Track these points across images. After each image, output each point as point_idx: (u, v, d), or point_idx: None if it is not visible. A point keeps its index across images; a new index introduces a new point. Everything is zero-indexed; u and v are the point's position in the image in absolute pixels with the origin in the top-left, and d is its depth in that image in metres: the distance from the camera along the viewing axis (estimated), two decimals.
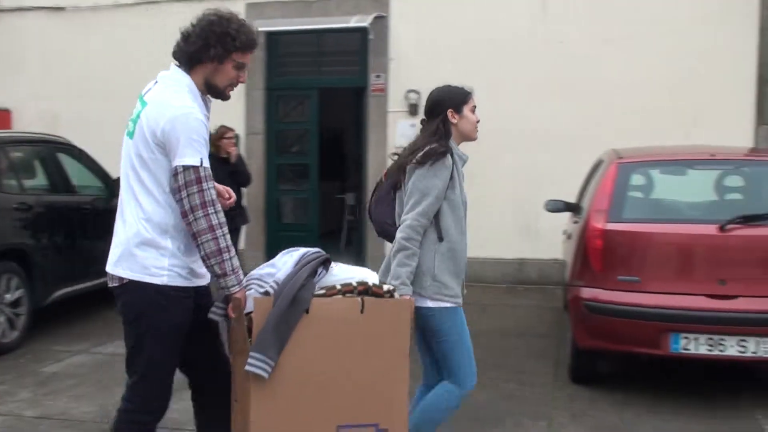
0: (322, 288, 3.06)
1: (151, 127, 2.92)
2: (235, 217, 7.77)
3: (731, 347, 4.85)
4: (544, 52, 9.14)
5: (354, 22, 9.31)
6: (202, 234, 2.90)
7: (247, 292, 3.04)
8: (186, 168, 2.88)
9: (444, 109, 3.56)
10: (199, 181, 2.89)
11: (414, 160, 3.47)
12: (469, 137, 3.65)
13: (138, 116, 2.99)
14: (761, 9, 8.59)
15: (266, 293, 3.03)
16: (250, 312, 2.97)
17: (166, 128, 2.89)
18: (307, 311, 2.97)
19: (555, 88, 9.06)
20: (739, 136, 8.52)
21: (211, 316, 3.09)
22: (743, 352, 4.84)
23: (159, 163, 2.95)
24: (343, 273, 3.16)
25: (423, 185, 3.42)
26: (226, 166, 7.62)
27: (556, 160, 8.95)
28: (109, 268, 3.06)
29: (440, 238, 3.47)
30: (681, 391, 5.32)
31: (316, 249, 3.19)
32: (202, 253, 2.92)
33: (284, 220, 10.73)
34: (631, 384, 5.49)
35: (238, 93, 10.80)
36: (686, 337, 4.89)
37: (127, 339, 3.07)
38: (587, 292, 5.16)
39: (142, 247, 2.97)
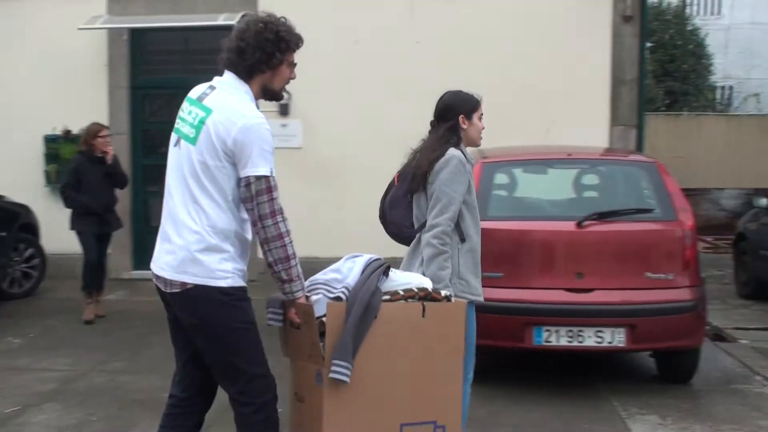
0: (385, 293, 3.15)
1: (221, 136, 2.94)
2: (111, 221, 7.47)
3: (589, 338, 5.09)
4: (409, 53, 9.25)
5: (222, 19, 9.15)
6: (271, 241, 2.96)
7: (314, 297, 3.10)
8: (258, 178, 2.92)
9: (456, 115, 3.71)
10: (269, 190, 2.95)
11: (436, 167, 3.63)
12: (474, 143, 3.84)
13: (202, 122, 2.98)
14: (613, 15, 9.05)
15: (338, 299, 3.09)
16: (321, 316, 3.04)
17: (238, 138, 2.92)
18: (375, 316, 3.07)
19: (418, 89, 9.20)
20: (597, 136, 8.95)
21: (269, 322, 3.17)
22: (600, 342, 5.09)
23: (224, 171, 2.97)
24: (402, 278, 3.27)
25: (450, 190, 3.60)
26: (100, 167, 7.24)
27: None
28: (167, 273, 3.04)
29: (462, 239, 3.68)
30: (543, 382, 5.54)
31: (376, 256, 3.27)
32: (270, 259, 2.98)
33: (152, 222, 10.42)
34: (498, 378, 5.66)
35: (100, 92, 10.40)
36: (548, 330, 5.10)
37: (206, 349, 3.08)
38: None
39: (207, 253, 2.99)
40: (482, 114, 3.83)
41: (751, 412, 4.95)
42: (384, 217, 3.91)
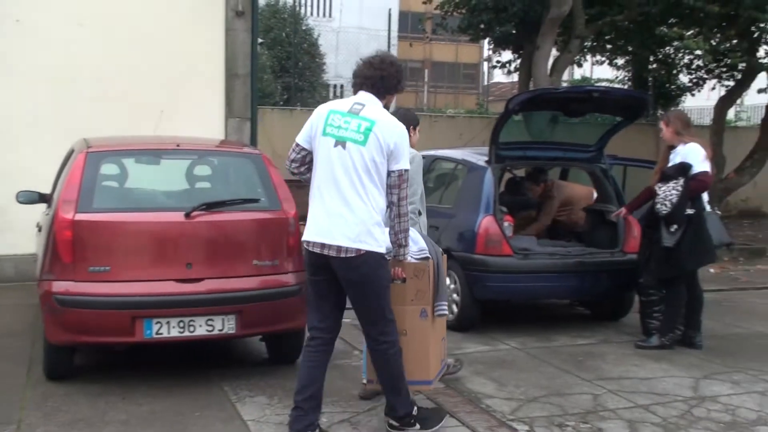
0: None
1: (386, 141, 4.09)
2: None
3: (201, 327, 5.15)
4: (7, 33, 8.54)
5: None
6: (402, 216, 4.18)
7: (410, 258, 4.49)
8: (403, 171, 4.15)
9: (407, 126, 4.49)
10: (405, 180, 4.17)
11: None
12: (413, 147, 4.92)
13: (369, 129, 4.09)
14: (226, 9, 9.22)
15: (427, 258, 4.66)
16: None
17: (397, 142, 4.12)
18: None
19: (24, 73, 8.56)
20: (214, 128, 9.07)
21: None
22: (211, 331, 5.18)
23: (383, 167, 4.12)
24: (421, 242, 4.73)
25: (418, 179, 5.12)
26: None
27: (32, 149, 8.48)
28: (344, 242, 4.05)
29: (419, 213, 5.18)
30: (156, 375, 5.48)
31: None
32: (398, 228, 4.19)
33: None
34: (106, 375, 5.49)
35: None
36: (159, 322, 5.05)
37: (364, 301, 4.20)
38: (58, 286, 5.01)
39: (376, 227, 4.11)
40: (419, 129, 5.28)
41: (348, 383, 5.41)
42: None
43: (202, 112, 9.12)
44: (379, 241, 4.10)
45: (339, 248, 4.06)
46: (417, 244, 4.64)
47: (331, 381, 5.41)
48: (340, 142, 4.11)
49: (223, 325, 5.21)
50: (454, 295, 7.03)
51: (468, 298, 6.93)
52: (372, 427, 4.64)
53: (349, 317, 7.49)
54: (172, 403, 4.94)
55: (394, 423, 4.40)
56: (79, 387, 5.19)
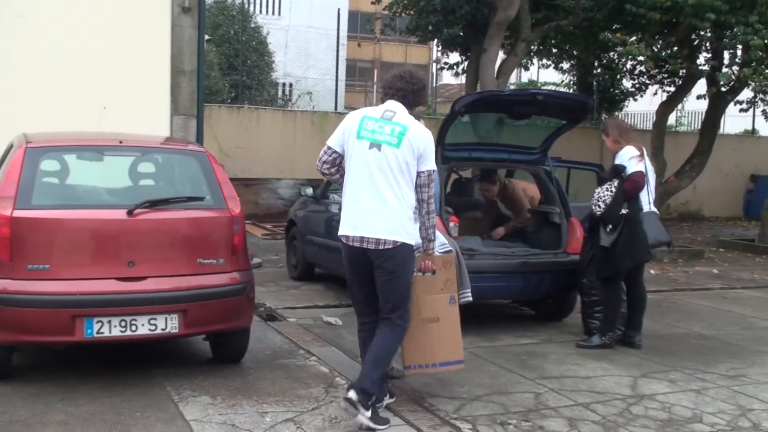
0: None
1: (417, 145, 4.62)
2: None
3: (143, 326, 5.08)
4: None
5: None
6: (431, 213, 4.73)
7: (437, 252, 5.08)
8: (432, 171, 4.69)
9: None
10: (433, 180, 4.71)
11: None
12: None
13: (403, 134, 4.62)
14: (173, 5, 9.09)
15: (449, 251, 5.30)
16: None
17: (427, 147, 4.67)
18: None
19: None
20: (160, 124, 8.92)
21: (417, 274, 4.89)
22: (154, 330, 5.11)
23: (414, 168, 4.64)
24: (441, 238, 5.31)
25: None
26: None
27: None
28: (383, 235, 4.58)
29: None
30: (97, 375, 5.39)
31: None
32: (428, 224, 4.75)
33: None
34: (44, 375, 5.37)
35: None
36: (99, 321, 4.97)
37: (394, 287, 4.68)
38: None
39: (408, 221, 4.64)
40: None
41: (293, 383, 5.39)
42: None
43: (146, 109, 8.96)
44: (411, 235, 4.67)
45: (377, 240, 4.59)
46: (439, 239, 5.09)
47: (275, 380, 5.43)
48: (376, 145, 4.61)
49: (166, 324, 5.14)
50: None
51: None
52: (316, 426, 4.63)
53: (294, 317, 7.53)
54: (113, 404, 4.86)
55: (354, 397, 4.49)
56: (17, 387, 5.07)
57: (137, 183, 5.90)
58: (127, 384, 5.22)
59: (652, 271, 10.35)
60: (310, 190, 9.42)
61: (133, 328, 5.07)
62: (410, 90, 4.79)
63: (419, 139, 4.63)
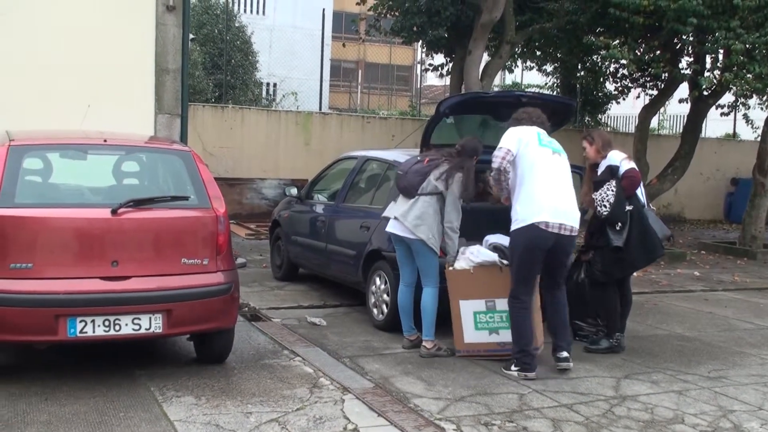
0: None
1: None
2: None
3: (126, 326, 5.06)
4: None
5: None
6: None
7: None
8: None
9: (473, 155, 6.47)
10: None
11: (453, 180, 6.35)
12: None
13: (561, 150, 5.99)
14: (157, 3, 9.04)
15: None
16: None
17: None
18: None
19: None
20: (144, 123, 8.87)
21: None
22: (138, 330, 5.09)
23: None
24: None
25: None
26: None
27: None
28: (576, 224, 5.79)
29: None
30: (80, 375, 5.36)
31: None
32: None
33: None
34: (27, 374, 5.34)
35: None
36: (83, 321, 4.95)
37: (565, 266, 6.18)
38: None
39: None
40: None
41: (277, 383, 5.39)
42: (406, 174, 6.33)
43: (131, 107, 8.91)
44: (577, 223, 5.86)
45: (572, 228, 5.74)
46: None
47: (259, 381, 5.42)
48: (556, 153, 5.88)
49: (150, 324, 5.12)
50: (384, 296, 7.06)
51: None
52: (300, 426, 4.62)
53: (279, 317, 7.51)
54: (97, 404, 4.83)
55: (568, 355, 5.95)
56: None
57: (121, 182, 5.87)
58: (110, 384, 5.20)
59: (634, 274, 10.39)
60: (294, 191, 9.40)
61: (117, 327, 5.05)
62: (540, 121, 6.08)
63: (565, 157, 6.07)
